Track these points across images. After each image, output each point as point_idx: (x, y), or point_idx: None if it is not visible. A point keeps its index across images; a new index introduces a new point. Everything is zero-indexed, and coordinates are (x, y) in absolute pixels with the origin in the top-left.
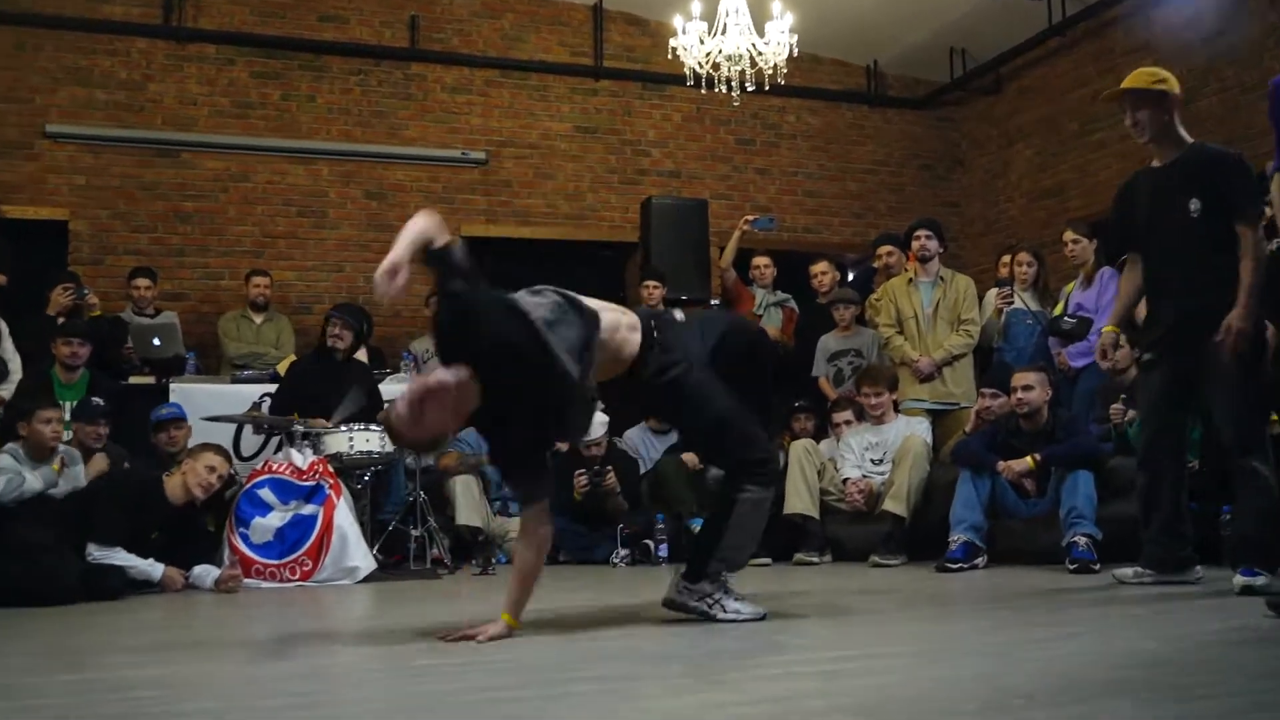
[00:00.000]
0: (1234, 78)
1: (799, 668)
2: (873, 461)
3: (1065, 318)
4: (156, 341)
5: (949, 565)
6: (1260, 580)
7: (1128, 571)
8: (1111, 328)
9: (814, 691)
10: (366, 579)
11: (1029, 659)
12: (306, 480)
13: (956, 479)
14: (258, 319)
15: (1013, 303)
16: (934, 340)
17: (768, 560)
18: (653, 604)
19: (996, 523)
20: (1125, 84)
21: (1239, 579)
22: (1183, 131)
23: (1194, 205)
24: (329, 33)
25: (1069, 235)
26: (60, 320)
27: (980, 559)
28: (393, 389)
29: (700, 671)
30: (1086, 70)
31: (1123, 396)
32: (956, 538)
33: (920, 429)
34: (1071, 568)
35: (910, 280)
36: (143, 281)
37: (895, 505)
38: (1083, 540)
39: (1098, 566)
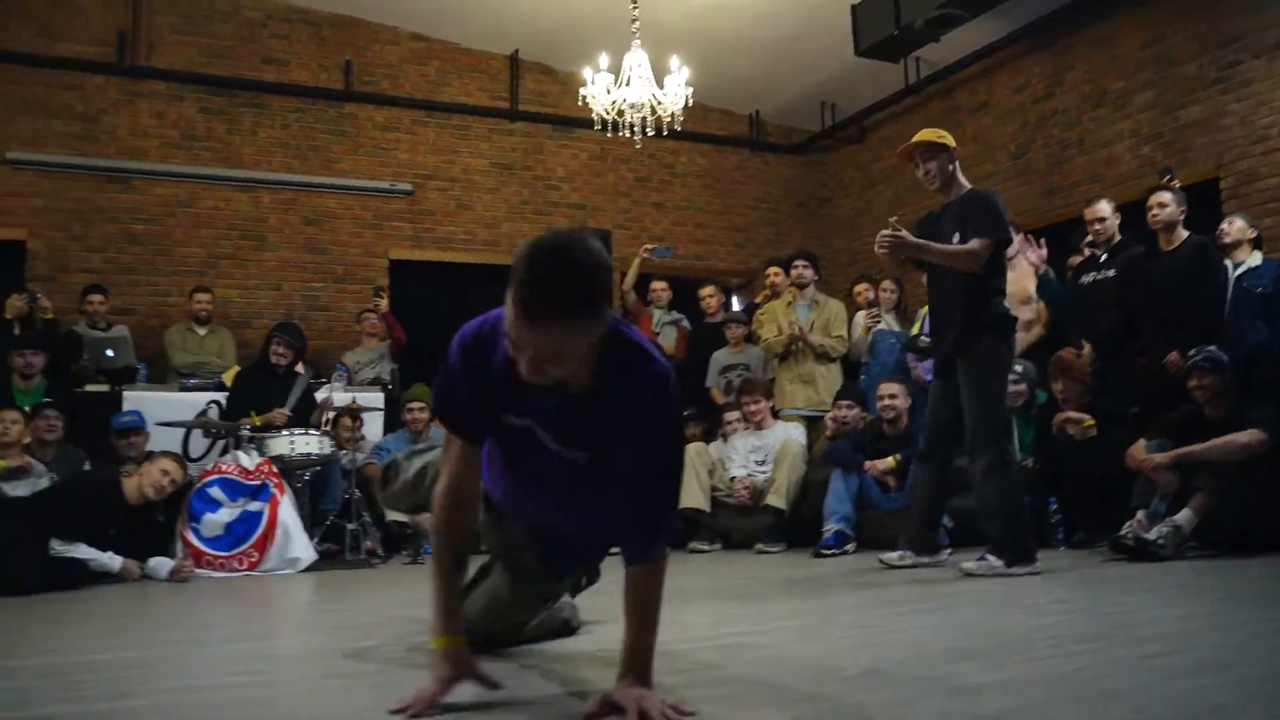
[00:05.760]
0: (1058, 135)
1: (699, 644)
2: (756, 462)
3: (921, 336)
4: (110, 353)
5: (823, 551)
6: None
7: (893, 555)
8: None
9: (713, 663)
10: (308, 569)
11: (896, 630)
12: (253, 480)
13: (829, 477)
14: (201, 331)
15: (879, 323)
16: (809, 353)
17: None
18: None
19: (863, 514)
20: (916, 139)
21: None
22: (963, 178)
23: (955, 239)
24: (270, 74)
25: None
26: (16, 328)
27: (850, 545)
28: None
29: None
30: (936, 124)
31: None
32: (829, 527)
33: (796, 433)
34: None
35: (789, 303)
36: (96, 297)
37: (776, 500)
38: None
39: (949, 551)
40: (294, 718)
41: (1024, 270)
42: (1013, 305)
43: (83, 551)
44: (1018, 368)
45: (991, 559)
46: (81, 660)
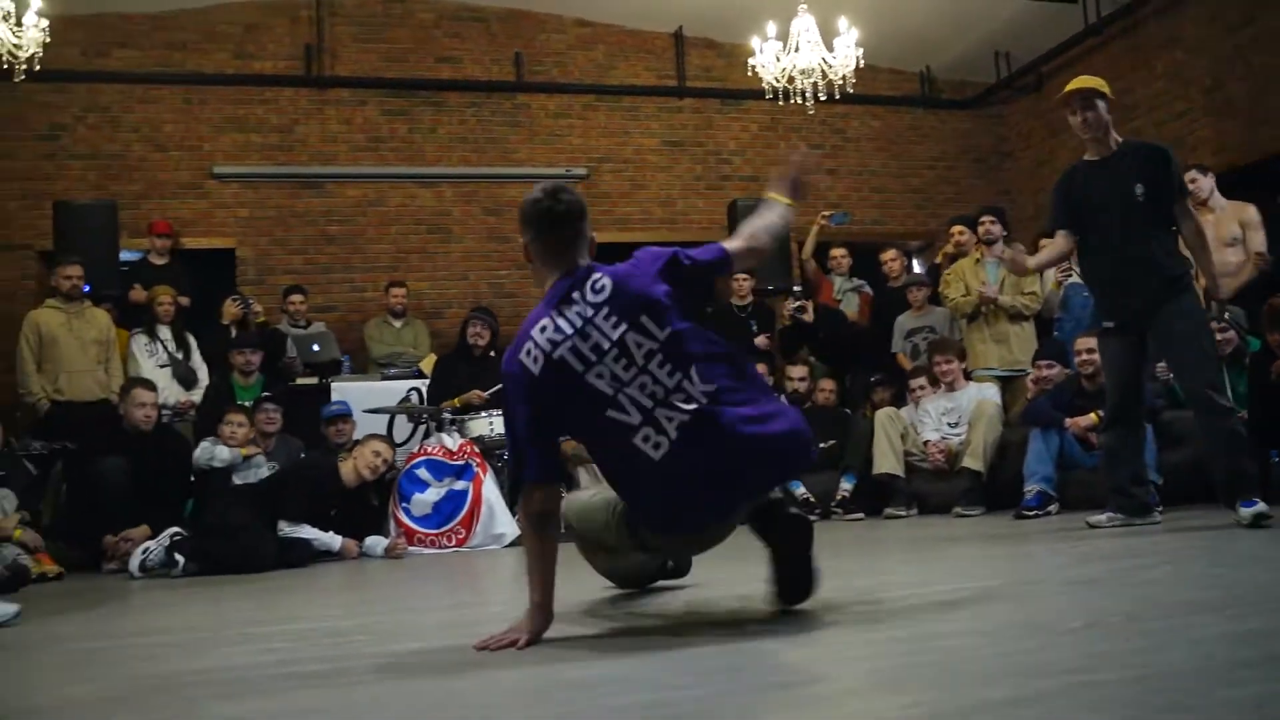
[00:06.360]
0: (1260, 63)
1: (912, 600)
2: (949, 425)
3: None
4: (316, 348)
5: (1025, 513)
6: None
7: (1101, 518)
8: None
9: (930, 618)
10: (512, 543)
11: (1117, 585)
12: (457, 460)
13: (1026, 437)
14: (397, 324)
15: (1071, 275)
16: (1001, 313)
17: (861, 515)
18: None
19: (1066, 473)
20: (1075, 84)
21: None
22: (1114, 130)
23: (1139, 190)
24: (446, 72)
25: None
26: (232, 329)
27: (1053, 506)
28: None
29: (841, 616)
30: (1121, 65)
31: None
32: (1031, 488)
33: (990, 393)
34: None
35: (977, 260)
36: (296, 297)
37: (973, 462)
38: None
39: (1160, 509)
40: (513, 672)
41: (1228, 213)
42: (1218, 249)
43: (307, 532)
44: (1225, 314)
45: (1260, 504)
46: (321, 626)
